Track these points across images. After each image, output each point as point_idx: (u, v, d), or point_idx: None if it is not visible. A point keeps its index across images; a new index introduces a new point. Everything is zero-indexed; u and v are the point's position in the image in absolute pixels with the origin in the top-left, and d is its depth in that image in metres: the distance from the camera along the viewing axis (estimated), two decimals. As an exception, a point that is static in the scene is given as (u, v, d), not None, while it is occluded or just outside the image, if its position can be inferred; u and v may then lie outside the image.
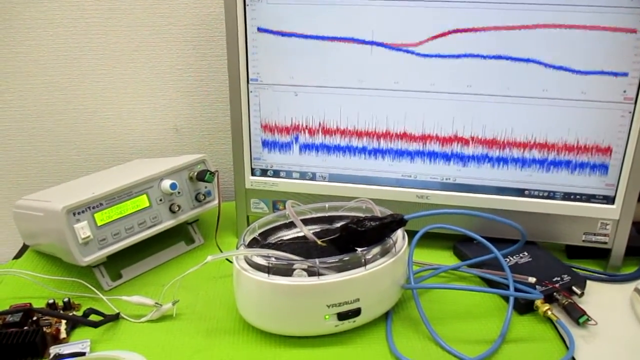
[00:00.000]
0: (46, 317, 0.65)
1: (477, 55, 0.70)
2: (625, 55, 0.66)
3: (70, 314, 0.66)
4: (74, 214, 0.66)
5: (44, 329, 0.62)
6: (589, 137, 0.71)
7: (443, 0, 0.68)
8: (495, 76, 0.70)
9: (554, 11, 0.66)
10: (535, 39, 0.68)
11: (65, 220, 0.65)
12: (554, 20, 0.67)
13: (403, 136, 0.76)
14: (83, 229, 0.67)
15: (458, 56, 0.70)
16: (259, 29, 0.74)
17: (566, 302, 0.65)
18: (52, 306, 0.67)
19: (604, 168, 0.72)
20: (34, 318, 0.64)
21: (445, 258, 0.78)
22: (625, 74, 0.67)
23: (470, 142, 0.74)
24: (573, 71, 0.68)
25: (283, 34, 0.74)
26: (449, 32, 0.70)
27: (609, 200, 0.73)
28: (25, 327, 0.62)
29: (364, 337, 0.63)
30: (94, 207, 0.68)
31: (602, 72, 0.68)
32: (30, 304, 0.66)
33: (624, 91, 0.68)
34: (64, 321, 0.64)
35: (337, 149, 0.78)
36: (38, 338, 0.60)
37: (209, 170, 0.78)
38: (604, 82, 0.68)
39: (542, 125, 0.72)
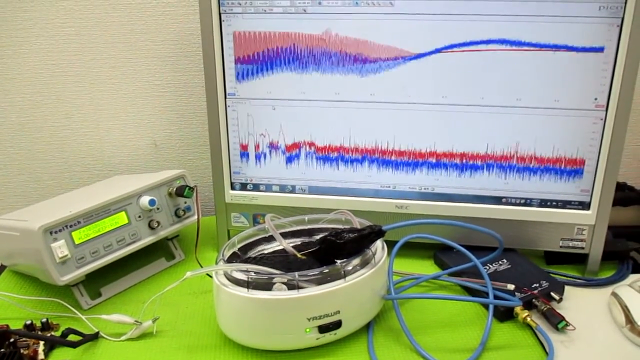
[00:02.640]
0: (23, 339, 0.63)
1: (450, 67, 0.71)
2: (594, 70, 0.68)
3: (49, 334, 0.65)
4: (51, 233, 0.66)
5: (22, 350, 0.61)
6: (563, 144, 0.72)
7: (412, 13, 0.70)
8: (469, 86, 0.71)
9: (524, 27, 0.68)
10: (507, 50, 0.69)
11: (42, 240, 0.65)
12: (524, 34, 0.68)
13: (381, 147, 0.76)
14: (60, 248, 0.66)
15: (433, 68, 0.71)
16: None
17: (545, 308, 0.66)
18: (29, 327, 0.66)
19: (578, 174, 0.73)
20: (11, 340, 0.63)
21: (426, 267, 0.78)
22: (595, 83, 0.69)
23: (447, 152, 0.75)
24: (546, 80, 0.70)
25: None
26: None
27: (585, 206, 0.74)
28: (2, 350, 0.61)
29: (346, 349, 0.62)
30: (71, 226, 0.68)
31: (573, 81, 0.69)
32: (7, 325, 0.65)
33: (595, 99, 0.69)
34: (42, 342, 0.63)
35: (316, 161, 0.78)
36: (15, 360, 0.59)
37: (187, 186, 0.78)
38: (576, 90, 0.69)
39: (517, 134, 0.73)
